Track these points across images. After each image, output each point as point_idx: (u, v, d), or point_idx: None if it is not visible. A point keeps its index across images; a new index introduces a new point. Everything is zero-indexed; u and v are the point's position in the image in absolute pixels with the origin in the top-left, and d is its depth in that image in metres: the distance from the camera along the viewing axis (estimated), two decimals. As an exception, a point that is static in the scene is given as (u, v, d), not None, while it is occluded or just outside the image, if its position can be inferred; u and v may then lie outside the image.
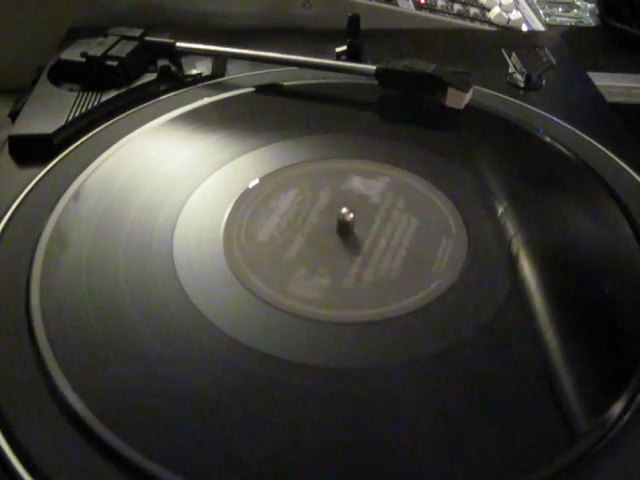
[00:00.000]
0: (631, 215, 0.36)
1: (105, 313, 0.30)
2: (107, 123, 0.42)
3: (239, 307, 0.30)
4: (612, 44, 0.62)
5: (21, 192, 0.36)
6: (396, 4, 0.59)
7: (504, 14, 0.61)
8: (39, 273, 0.31)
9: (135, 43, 0.46)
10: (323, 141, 0.42)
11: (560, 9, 0.69)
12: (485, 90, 0.47)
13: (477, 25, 0.60)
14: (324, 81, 0.47)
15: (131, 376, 0.27)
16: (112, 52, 0.45)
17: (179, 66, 0.48)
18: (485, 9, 0.62)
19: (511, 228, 0.35)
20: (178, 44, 0.48)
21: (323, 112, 0.45)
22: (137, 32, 0.47)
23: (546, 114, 0.45)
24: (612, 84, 0.55)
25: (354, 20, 0.50)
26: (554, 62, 0.50)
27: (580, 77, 0.51)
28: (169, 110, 0.43)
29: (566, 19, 0.67)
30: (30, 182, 0.37)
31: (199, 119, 0.43)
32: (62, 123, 0.40)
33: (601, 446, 0.25)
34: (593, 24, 0.66)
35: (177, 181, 0.38)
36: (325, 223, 0.35)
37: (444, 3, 0.61)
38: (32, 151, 0.39)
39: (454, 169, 0.39)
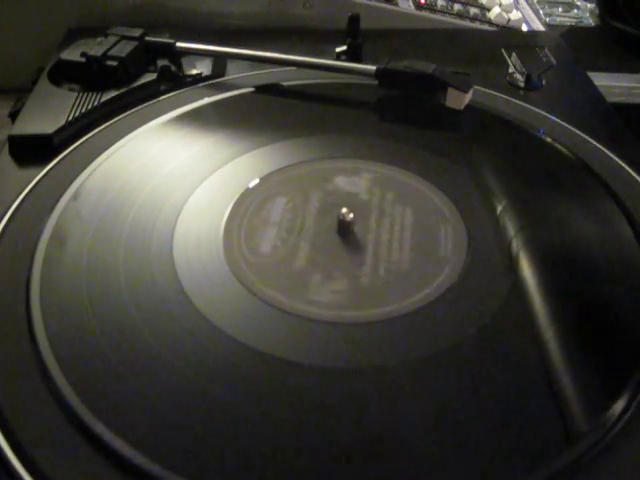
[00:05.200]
0: (631, 215, 0.36)
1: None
2: (107, 123, 0.42)
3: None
4: (612, 44, 0.62)
5: (21, 192, 0.36)
6: (396, 4, 0.59)
7: (504, 14, 0.61)
8: (39, 273, 0.31)
9: (135, 43, 0.46)
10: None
11: (560, 9, 0.69)
12: (485, 90, 0.47)
13: (477, 25, 0.60)
14: (324, 81, 0.47)
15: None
16: (112, 52, 0.45)
17: (179, 66, 0.48)
18: (485, 9, 0.62)
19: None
20: (178, 44, 0.48)
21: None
22: (137, 32, 0.47)
23: (546, 114, 0.45)
24: (612, 84, 0.55)
25: (354, 20, 0.50)
26: (554, 62, 0.50)
27: (580, 77, 0.51)
28: (169, 110, 0.43)
29: (566, 19, 0.67)
30: (30, 182, 0.37)
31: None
32: (62, 123, 0.40)
33: (601, 446, 0.25)
34: (593, 24, 0.66)
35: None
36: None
37: (444, 3, 0.61)
38: (32, 151, 0.39)
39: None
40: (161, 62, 0.47)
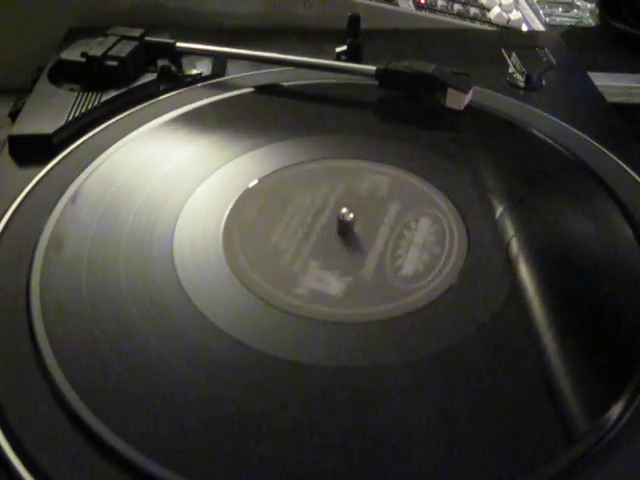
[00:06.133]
0: (631, 215, 0.36)
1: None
2: (107, 123, 0.42)
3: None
4: (612, 44, 0.62)
5: (21, 192, 0.36)
6: (396, 4, 0.59)
7: (504, 14, 0.61)
8: (39, 273, 0.31)
9: (135, 43, 0.46)
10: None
11: (560, 9, 0.69)
12: (485, 90, 0.47)
13: (477, 25, 0.60)
14: (324, 81, 0.47)
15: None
16: (112, 52, 0.45)
17: (179, 66, 0.48)
18: (485, 9, 0.62)
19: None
20: (178, 44, 0.48)
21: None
22: (137, 32, 0.47)
23: (546, 114, 0.45)
24: (612, 84, 0.55)
25: (354, 20, 0.50)
26: (554, 62, 0.50)
27: (580, 77, 0.51)
28: (169, 110, 0.43)
29: (566, 19, 0.67)
30: (30, 182, 0.37)
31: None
32: (62, 123, 0.40)
33: (600, 447, 0.25)
34: (593, 24, 0.66)
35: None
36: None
37: (444, 3, 0.61)
38: (32, 151, 0.39)
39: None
40: (161, 62, 0.47)
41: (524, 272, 0.32)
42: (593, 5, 0.69)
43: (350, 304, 0.30)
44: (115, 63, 0.44)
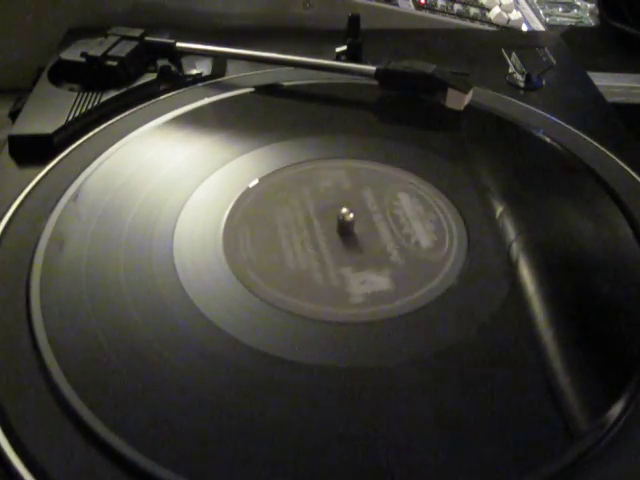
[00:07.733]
0: (631, 215, 0.36)
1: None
2: (107, 123, 0.42)
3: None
4: (612, 44, 0.62)
5: (21, 192, 0.36)
6: (396, 4, 0.59)
7: (504, 14, 0.61)
8: (39, 273, 0.31)
9: (135, 43, 0.46)
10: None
11: (560, 9, 0.69)
12: (485, 90, 0.47)
13: (477, 25, 0.60)
14: (324, 81, 0.47)
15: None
16: (112, 52, 0.45)
17: (179, 66, 0.48)
18: (485, 9, 0.62)
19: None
20: (178, 44, 0.48)
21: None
22: (137, 32, 0.47)
23: (546, 114, 0.45)
24: (612, 84, 0.55)
25: (354, 20, 0.50)
26: (554, 62, 0.50)
27: (580, 77, 0.51)
28: (169, 110, 0.43)
29: (566, 19, 0.67)
30: (30, 182, 0.37)
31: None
32: (62, 123, 0.40)
33: (601, 447, 0.25)
34: (593, 24, 0.66)
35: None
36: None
37: (444, 3, 0.61)
38: (32, 151, 0.39)
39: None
40: (161, 62, 0.47)
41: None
42: (593, 5, 0.69)
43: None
44: (115, 63, 0.44)
